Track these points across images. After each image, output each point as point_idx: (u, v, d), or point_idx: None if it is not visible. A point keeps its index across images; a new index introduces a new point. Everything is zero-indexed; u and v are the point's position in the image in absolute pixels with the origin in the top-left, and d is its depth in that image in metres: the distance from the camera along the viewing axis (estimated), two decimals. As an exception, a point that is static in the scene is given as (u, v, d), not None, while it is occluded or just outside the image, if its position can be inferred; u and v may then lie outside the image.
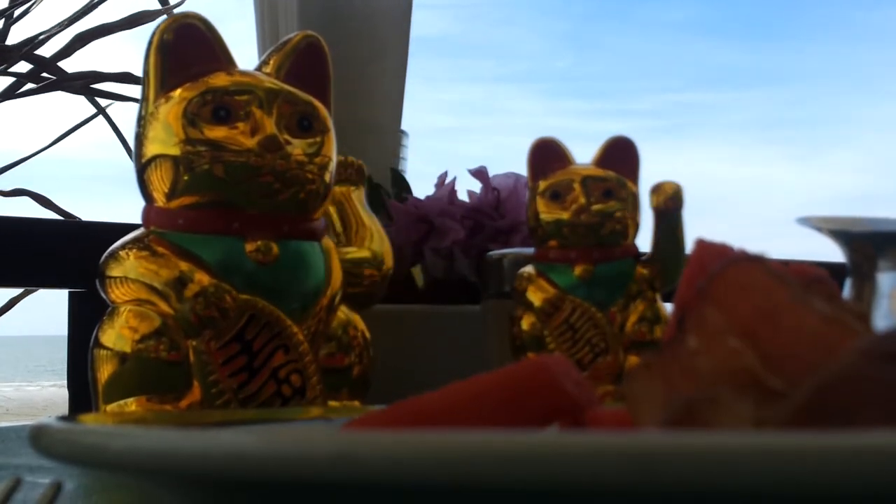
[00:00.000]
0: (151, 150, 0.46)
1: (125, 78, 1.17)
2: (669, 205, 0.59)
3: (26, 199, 1.19)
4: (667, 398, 0.19)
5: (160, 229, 0.46)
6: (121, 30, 1.16)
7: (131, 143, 0.47)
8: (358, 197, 0.53)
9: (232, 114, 0.45)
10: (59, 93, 1.22)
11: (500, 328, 0.62)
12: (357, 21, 0.80)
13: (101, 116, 1.22)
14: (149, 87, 0.46)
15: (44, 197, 1.20)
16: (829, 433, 0.15)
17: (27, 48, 1.18)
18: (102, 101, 1.22)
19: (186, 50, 0.46)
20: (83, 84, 1.18)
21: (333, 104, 0.49)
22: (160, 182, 0.45)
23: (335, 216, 0.52)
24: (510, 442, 0.15)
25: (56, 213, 1.14)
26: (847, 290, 0.43)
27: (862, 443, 0.14)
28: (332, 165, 0.48)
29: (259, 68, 0.49)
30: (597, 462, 0.15)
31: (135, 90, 1.21)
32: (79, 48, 1.20)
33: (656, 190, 0.59)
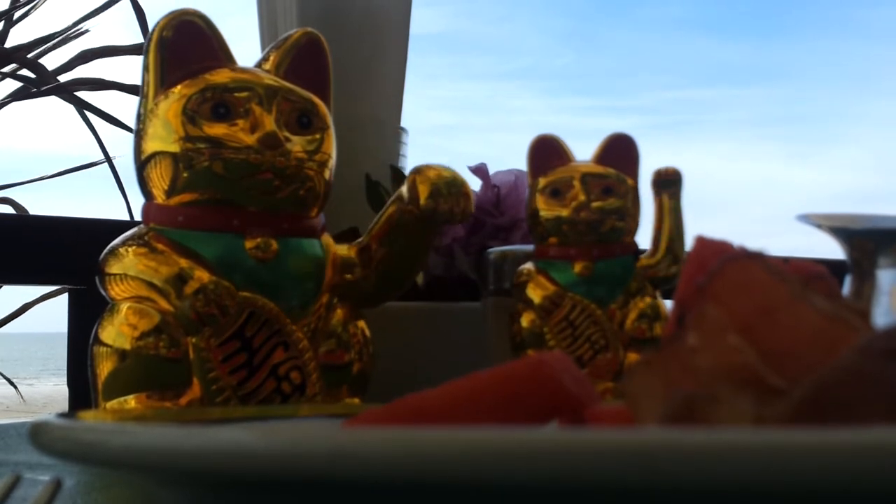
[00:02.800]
0: (151, 147, 0.46)
1: (133, 90, 1.17)
2: (670, 177, 0.60)
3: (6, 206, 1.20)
4: (667, 395, 0.19)
5: (160, 226, 0.46)
6: (126, 54, 1.16)
7: (130, 142, 0.47)
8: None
9: (231, 111, 0.45)
10: (58, 99, 1.22)
11: (500, 325, 0.62)
12: (357, 18, 0.80)
13: (101, 119, 1.23)
14: (148, 84, 0.46)
15: (23, 208, 1.21)
16: (828, 430, 0.15)
17: (27, 53, 1.18)
18: (93, 119, 1.22)
19: (186, 47, 0.46)
20: (88, 88, 1.18)
21: (333, 101, 0.49)
22: (160, 179, 0.45)
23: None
24: (510, 439, 0.15)
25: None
26: (847, 287, 0.43)
27: (862, 439, 0.14)
28: (332, 162, 0.48)
29: (259, 65, 0.48)
30: (597, 459, 0.15)
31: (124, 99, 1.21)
32: (80, 64, 1.20)
33: (656, 171, 0.60)
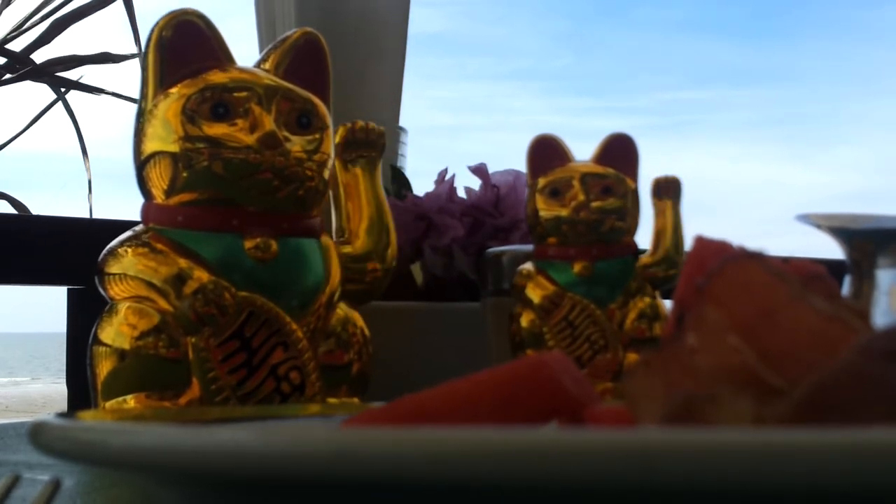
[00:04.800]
0: (150, 146, 0.46)
1: (104, 58, 1.17)
2: (668, 184, 0.60)
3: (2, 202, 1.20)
4: (666, 395, 0.19)
5: (159, 226, 0.46)
6: (96, 10, 1.16)
7: (129, 141, 0.47)
8: (375, 177, 0.51)
9: (231, 111, 0.45)
10: (39, 85, 1.22)
11: (500, 325, 0.62)
12: (355, 18, 0.80)
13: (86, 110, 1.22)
14: (147, 84, 0.46)
15: (20, 202, 1.20)
16: (828, 430, 0.15)
17: (3, 40, 1.18)
18: (70, 93, 1.22)
19: (185, 47, 0.46)
20: (63, 68, 1.18)
21: (332, 101, 0.49)
22: (159, 179, 0.45)
23: (342, 198, 0.50)
24: (509, 439, 0.15)
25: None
26: (846, 288, 0.43)
27: (861, 440, 0.14)
28: (331, 162, 0.48)
29: (258, 65, 0.48)
30: (596, 459, 0.15)
31: (106, 76, 1.21)
32: (57, 35, 1.20)
33: (655, 180, 0.60)
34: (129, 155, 0.47)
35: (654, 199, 0.61)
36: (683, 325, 0.20)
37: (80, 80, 1.21)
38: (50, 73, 1.20)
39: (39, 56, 1.22)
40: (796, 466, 0.14)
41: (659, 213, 0.60)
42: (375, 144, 0.51)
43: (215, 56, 0.47)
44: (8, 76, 1.20)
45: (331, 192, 0.50)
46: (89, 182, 1.21)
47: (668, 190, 0.60)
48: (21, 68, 1.20)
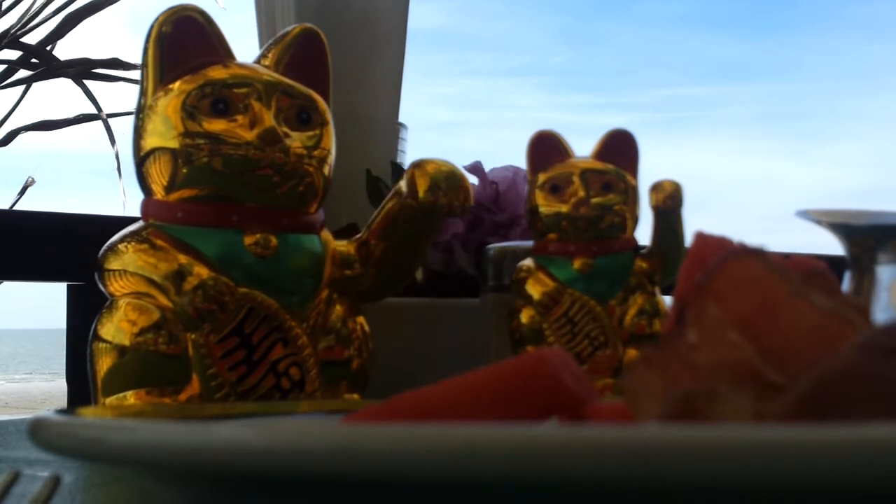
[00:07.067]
0: (150, 142, 0.45)
1: (114, 64, 1.17)
2: (668, 203, 0.59)
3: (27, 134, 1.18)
4: (666, 392, 0.19)
5: (159, 222, 0.46)
6: (109, 4, 1.16)
7: (129, 136, 0.47)
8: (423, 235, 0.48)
9: (231, 107, 0.45)
10: (50, 80, 1.22)
11: (500, 321, 0.62)
12: (354, 13, 0.80)
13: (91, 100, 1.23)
14: (147, 80, 0.46)
15: (45, 121, 1.19)
16: (828, 427, 0.15)
17: (16, 32, 1.18)
18: (93, 85, 1.22)
19: (185, 42, 0.46)
20: (77, 72, 1.18)
21: (332, 97, 0.49)
22: (159, 175, 0.45)
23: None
24: (509, 436, 0.15)
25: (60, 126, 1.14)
26: (846, 284, 0.43)
27: (861, 437, 0.14)
28: (331, 158, 0.48)
29: (258, 61, 0.48)
30: (596, 456, 0.15)
31: (124, 74, 1.21)
32: (69, 29, 1.20)
33: (655, 188, 0.59)
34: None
35: (654, 217, 0.60)
36: (683, 322, 0.20)
37: (104, 74, 1.21)
38: (67, 73, 1.20)
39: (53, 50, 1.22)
40: (796, 463, 0.14)
41: (659, 215, 0.59)
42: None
43: (215, 52, 0.47)
44: (24, 73, 1.21)
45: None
46: (119, 171, 1.21)
47: (668, 212, 0.59)
48: (37, 62, 1.20)
